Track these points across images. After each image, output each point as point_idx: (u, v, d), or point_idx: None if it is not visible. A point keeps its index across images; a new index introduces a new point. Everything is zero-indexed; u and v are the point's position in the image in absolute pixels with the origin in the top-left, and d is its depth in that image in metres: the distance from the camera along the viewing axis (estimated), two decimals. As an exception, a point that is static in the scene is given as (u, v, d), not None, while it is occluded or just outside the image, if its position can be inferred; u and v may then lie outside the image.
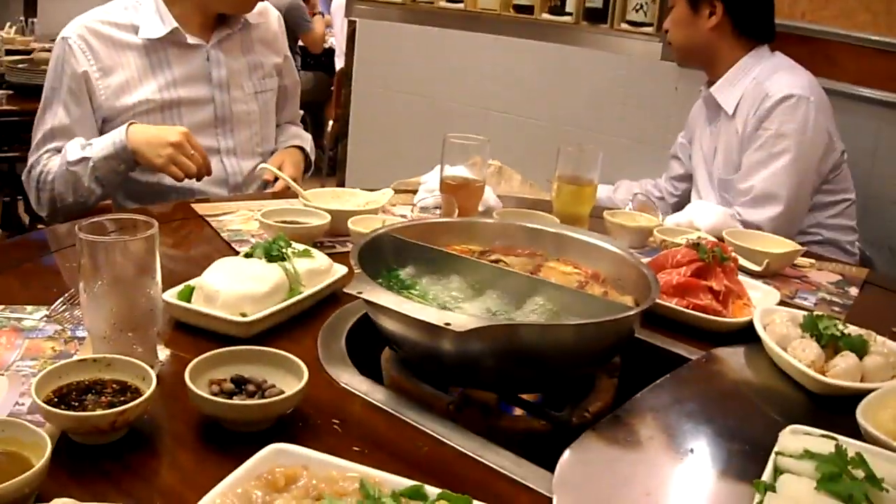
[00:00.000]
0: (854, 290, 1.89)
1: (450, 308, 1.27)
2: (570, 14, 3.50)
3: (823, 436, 1.09)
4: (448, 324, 1.08)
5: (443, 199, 1.91)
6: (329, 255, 1.68)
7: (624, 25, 3.36)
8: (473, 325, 1.08)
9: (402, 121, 3.97)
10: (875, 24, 2.89)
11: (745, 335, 1.46)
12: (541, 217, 1.98)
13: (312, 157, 2.65)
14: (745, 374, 1.39)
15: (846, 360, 1.32)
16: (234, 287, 1.33)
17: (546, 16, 3.58)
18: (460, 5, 3.78)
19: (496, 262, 1.44)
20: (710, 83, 2.57)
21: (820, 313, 1.41)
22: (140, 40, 2.26)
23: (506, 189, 2.65)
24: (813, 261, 2.02)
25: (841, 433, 1.07)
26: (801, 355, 1.33)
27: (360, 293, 1.16)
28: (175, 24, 2.27)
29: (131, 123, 2.12)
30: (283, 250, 1.45)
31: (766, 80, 2.42)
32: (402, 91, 4.03)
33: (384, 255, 1.41)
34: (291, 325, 1.38)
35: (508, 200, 2.25)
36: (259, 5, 2.49)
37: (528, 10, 3.61)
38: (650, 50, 3.29)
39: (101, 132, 2.23)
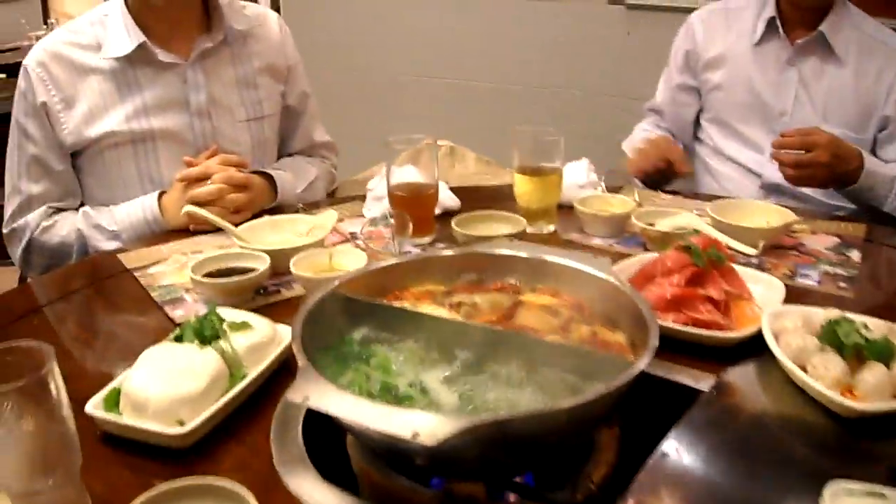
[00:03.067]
0: (856, 255, 1.73)
1: (416, 394, 1.07)
2: (504, -37, 3.28)
3: (869, 493, 0.93)
4: (416, 434, 0.89)
5: (394, 215, 1.71)
6: (273, 305, 1.50)
7: (564, -30, 3.15)
8: (446, 433, 0.89)
9: (337, 100, 3.72)
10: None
11: (755, 344, 1.28)
12: (504, 219, 1.79)
13: (299, 189, 2.15)
14: (764, 405, 1.21)
15: (874, 373, 1.15)
16: (166, 390, 1.13)
17: (479, -32, 3.35)
18: (388, -34, 3.54)
19: (460, 304, 1.26)
20: (810, 21, 2.25)
21: (838, 316, 1.24)
22: (105, 61, 1.95)
23: (460, 171, 2.46)
24: (805, 226, 1.84)
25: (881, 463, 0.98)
26: (823, 374, 1.16)
27: (307, 399, 0.96)
28: (143, 39, 1.93)
29: (162, 194, 1.92)
30: (217, 327, 1.25)
31: (878, 31, 2.24)
32: (338, 63, 3.78)
33: (333, 319, 1.21)
34: (238, 420, 1.19)
35: (466, 194, 2.04)
36: (253, 7, 2.18)
37: (459, -37, 3.39)
38: (595, -7, 3.09)
39: (74, 166, 2.00)
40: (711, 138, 2.45)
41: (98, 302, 1.62)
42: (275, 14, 2.25)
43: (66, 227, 1.97)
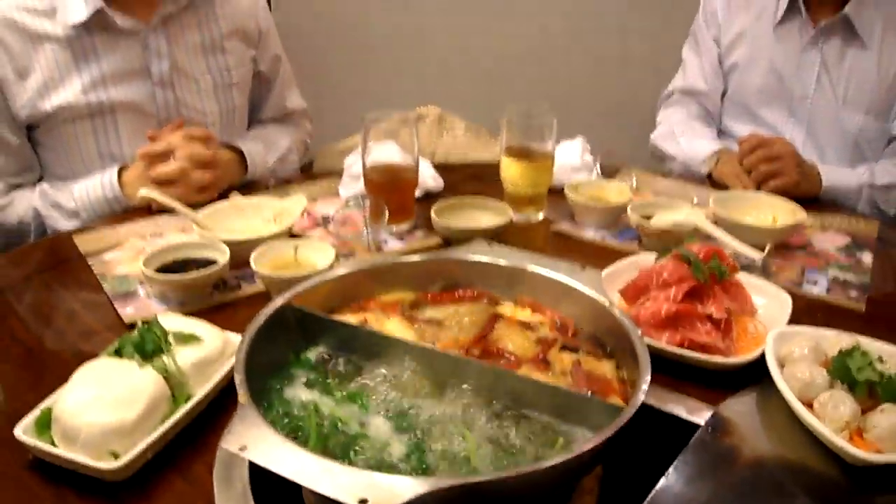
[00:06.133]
0: (867, 257, 1.61)
1: (372, 437, 0.95)
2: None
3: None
4: (364, 500, 0.77)
5: (370, 200, 1.58)
6: (232, 303, 1.38)
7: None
8: (401, 499, 0.77)
9: (330, 56, 3.56)
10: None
11: (757, 368, 1.16)
12: (488, 208, 1.66)
13: (270, 161, 2.04)
14: (764, 446, 1.09)
15: (888, 418, 1.03)
16: (98, 418, 1.01)
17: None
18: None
19: (429, 322, 1.14)
20: (830, 5, 2.12)
21: (850, 346, 1.11)
22: (60, 28, 1.79)
23: (448, 141, 2.31)
24: (815, 221, 1.71)
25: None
26: (831, 415, 1.04)
27: (244, 450, 0.84)
28: (100, 4, 1.77)
29: (122, 169, 1.79)
30: (160, 341, 1.13)
31: None
32: (326, 20, 3.61)
33: (289, 332, 1.09)
34: (180, 447, 1.07)
35: (451, 171, 1.91)
36: None
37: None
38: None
39: (30, 140, 1.87)
40: (727, 120, 2.30)
41: (47, 293, 1.49)
42: None
43: (24, 204, 1.85)
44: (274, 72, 2.15)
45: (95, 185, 1.79)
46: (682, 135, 2.21)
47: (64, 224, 1.79)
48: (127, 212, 1.78)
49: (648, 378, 0.94)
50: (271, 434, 0.86)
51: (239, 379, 0.94)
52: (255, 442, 0.85)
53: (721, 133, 2.30)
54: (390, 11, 3.46)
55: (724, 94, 2.31)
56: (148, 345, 1.12)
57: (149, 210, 1.76)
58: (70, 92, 1.80)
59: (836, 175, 1.97)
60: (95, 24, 1.80)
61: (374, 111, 1.67)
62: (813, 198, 1.91)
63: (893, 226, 1.83)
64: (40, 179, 1.90)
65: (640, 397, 0.91)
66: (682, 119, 2.27)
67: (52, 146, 1.86)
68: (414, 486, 0.79)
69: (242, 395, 0.92)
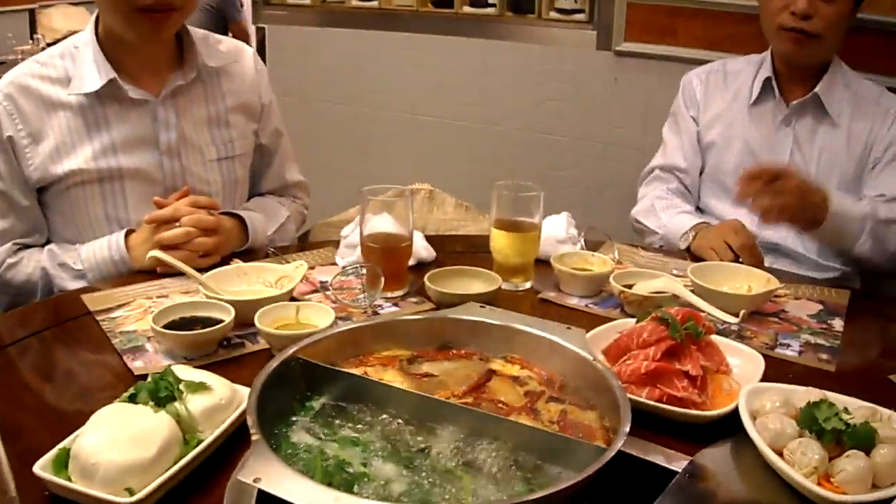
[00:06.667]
0: (838, 323, 1.70)
1: (373, 476, 1.02)
2: (493, 5, 3.28)
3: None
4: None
5: (367, 269, 1.67)
6: (236, 359, 1.45)
7: (553, 14, 3.16)
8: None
9: (324, 134, 3.69)
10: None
11: (731, 422, 1.24)
12: (478, 275, 1.75)
13: (270, 230, 2.09)
14: (739, 491, 1.16)
15: (854, 462, 1.11)
16: (115, 456, 1.08)
17: (467, 9, 3.36)
18: (374, 3, 3.55)
19: (426, 376, 1.22)
20: (806, 81, 2.25)
21: (818, 399, 1.20)
22: (73, 97, 1.89)
23: (439, 217, 2.42)
24: (789, 291, 1.81)
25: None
26: (800, 461, 1.12)
27: (258, 481, 0.92)
28: (113, 75, 1.87)
29: (129, 232, 1.88)
30: (173, 388, 1.20)
31: (869, 91, 2.24)
32: (322, 100, 3.75)
33: (294, 382, 1.17)
34: (191, 486, 1.13)
35: (442, 243, 2.00)
36: (229, 43, 2.14)
37: (447, 3, 3.38)
38: (584, 39, 3.08)
39: (40, 202, 1.95)
40: (705, 197, 2.42)
41: (57, 348, 1.56)
42: (250, 50, 2.20)
43: (32, 264, 1.91)
44: (275, 145, 2.23)
45: (102, 247, 1.87)
46: (663, 210, 2.30)
47: (70, 284, 1.86)
48: (132, 274, 1.86)
49: (629, 422, 1.02)
50: (283, 467, 0.94)
51: (251, 420, 1.03)
52: (268, 474, 0.93)
53: (699, 210, 2.40)
54: (384, 94, 3.60)
55: (701, 171, 2.42)
56: (161, 391, 1.19)
57: (154, 273, 1.83)
58: (81, 157, 1.89)
59: (842, 200, 2.01)
60: (107, 94, 1.89)
61: (372, 186, 1.77)
62: (818, 224, 1.95)
63: (862, 296, 1.92)
64: (47, 242, 1.98)
65: (622, 438, 0.99)
66: (663, 194, 2.37)
67: (61, 209, 1.94)
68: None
69: (255, 434, 1.00)
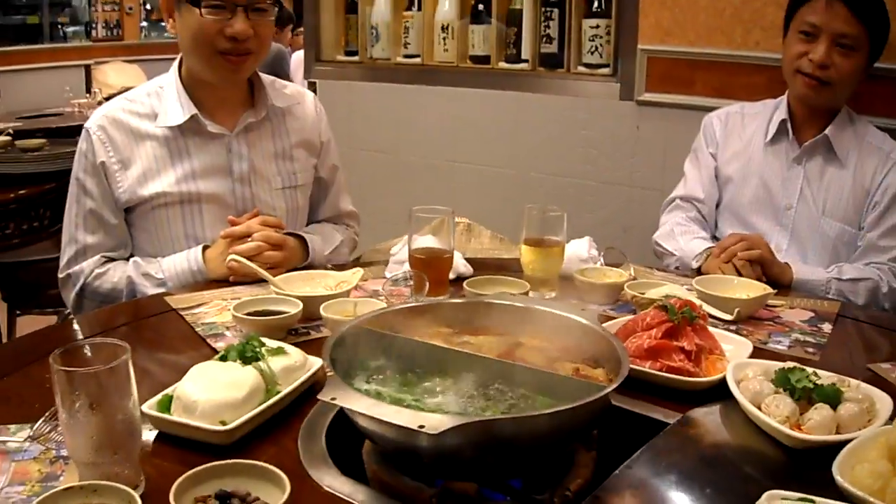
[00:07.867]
0: (827, 327, 1.92)
1: (422, 404, 1.28)
2: (526, 61, 3.53)
3: (801, 500, 1.11)
4: (422, 426, 1.10)
5: (413, 275, 1.93)
6: (303, 342, 1.70)
7: (580, 69, 3.40)
8: (447, 425, 1.10)
9: (368, 179, 3.98)
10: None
11: (721, 391, 1.47)
12: (510, 283, 2.00)
13: (326, 251, 2.37)
14: (722, 436, 1.41)
15: (820, 412, 1.34)
16: (212, 396, 1.34)
17: (503, 65, 3.61)
18: (417, 60, 3.82)
19: (466, 344, 1.46)
20: (818, 124, 2.50)
21: (792, 365, 1.44)
22: (159, 129, 2.19)
23: (476, 246, 2.67)
24: (784, 302, 2.04)
25: (820, 491, 1.11)
26: (774, 412, 1.35)
27: (334, 399, 1.17)
28: (194, 111, 2.17)
29: (206, 248, 2.16)
30: (257, 350, 1.46)
31: (875, 136, 2.49)
32: (366, 149, 4.05)
33: (356, 348, 1.42)
34: (271, 426, 1.39)
35: (478, 264, 2.26)
36: (293, 88, 2.44)
37: (484, 60, 3.65)
38: (608, 91, 3.33)
39: (126, 220, 2.23)
40: (721, 226, 2.66)
41: (145, 333, 1.83)
42: (311, 94, 2.51)
43: (118, 274, 2.19)
44: (332, 178, 2.52)
45: (182, 260, 2.15)
46: (681, 235, 2.55)
47: (152, 291, 2.13)
48: (207, 283, 2.13)
49: (627, 368, 1.27)
50: (353, 391, 1.20)
51: (326, 361, 1.29)
52: (342, 395, 1.18)
53: (714, 238, 2.63)
54: (426, 143, 3.89)
55: (718, 203, 2.66)
56: (248, 352, 1.45)
57: (227, 282, 2.11)
58: (165, 182, 2.17)
59: (806, 269, 2.29)
60: (189, 128, 2.19)
61: (420, 206, 2.03)
62: (786, 285, 2.22)
63: (854, 307, 2.14)
64: (131, 256, 2.25)
65: (623, 374, 1.24)
66: (682, 221, 2.61)
67: (145, 227, 2.22)
68: (453, 419, 1.12)
69: (329, 370, 1.26)
